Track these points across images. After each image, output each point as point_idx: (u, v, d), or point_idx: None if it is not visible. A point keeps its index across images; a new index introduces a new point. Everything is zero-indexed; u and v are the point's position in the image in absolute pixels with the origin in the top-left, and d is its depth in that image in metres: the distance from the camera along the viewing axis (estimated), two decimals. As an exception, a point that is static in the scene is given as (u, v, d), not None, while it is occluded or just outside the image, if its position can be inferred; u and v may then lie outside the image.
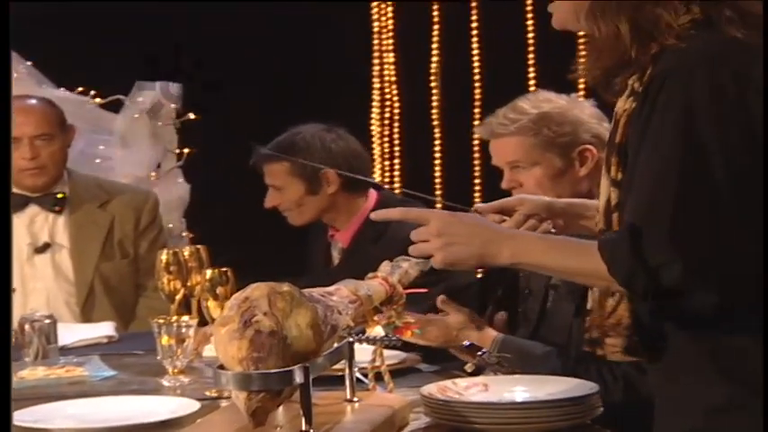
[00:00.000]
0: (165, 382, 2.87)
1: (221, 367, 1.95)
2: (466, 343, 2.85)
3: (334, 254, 4.07)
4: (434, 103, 6.26)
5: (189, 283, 3.15)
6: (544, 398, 2.22)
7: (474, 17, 6.18)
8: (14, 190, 4.15)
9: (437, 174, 6.20)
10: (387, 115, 6.32)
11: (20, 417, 2.40)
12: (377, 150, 6.24)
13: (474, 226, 2.07)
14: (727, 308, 1.85)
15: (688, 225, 1.82)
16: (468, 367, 2.74)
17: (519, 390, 2.35)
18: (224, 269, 2.75)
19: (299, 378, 1.93)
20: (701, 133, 1.82)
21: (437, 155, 6.24)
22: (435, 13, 6.21)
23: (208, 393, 2.72)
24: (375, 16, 6.28)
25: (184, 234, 5.64)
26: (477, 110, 6.13)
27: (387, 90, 6.33)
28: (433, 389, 2.31)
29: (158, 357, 2.93)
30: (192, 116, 5.67)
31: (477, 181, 6.11)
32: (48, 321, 3.25)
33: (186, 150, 5.71)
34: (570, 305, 2.96)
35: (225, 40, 5.99)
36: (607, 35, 1.95)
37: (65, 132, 4.34)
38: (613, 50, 1.96)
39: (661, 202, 1.84)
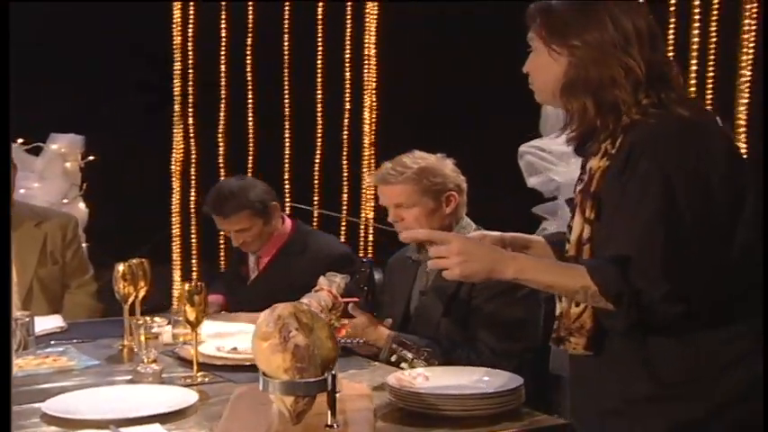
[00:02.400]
0: (141, 370, 2.40)
1: (265, 375, 1.56)
2: (402, 341, 2.46)
3: (257, 266, 3.59)
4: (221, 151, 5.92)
5: (138, 287, 2.72)
6: (497, 389, 1.91)
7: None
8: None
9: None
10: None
11: (50, 406, 1.91)
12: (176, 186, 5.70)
13: (485, 248, 1.80)
14: (688, 318, 1.65)
15: (666, 259, 1.62)
16: (395, 358, 2.39)
17: (452, 379, 2.02)
18: (199, 283, 2.31)
19: (330, 384, 1.58)
20: (675, 192, 1.64)
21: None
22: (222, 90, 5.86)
23: (181, 381, 2.29)
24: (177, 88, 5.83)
25: (84, 245, 5.06)
26: (250, 156, 5.85)
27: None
28: (393, 380, 1.96)
29: (135, 350, 2.50)
30: (91, 158, 5.18)
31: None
32: (27, 319, 2.70)
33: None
34: (438, 306, 2.67)
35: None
36: (577, 109, 1.75)
37: (12, 168, 3.73)
38: (582, 121, 1.76)
39: (647, 242, 1.63)
